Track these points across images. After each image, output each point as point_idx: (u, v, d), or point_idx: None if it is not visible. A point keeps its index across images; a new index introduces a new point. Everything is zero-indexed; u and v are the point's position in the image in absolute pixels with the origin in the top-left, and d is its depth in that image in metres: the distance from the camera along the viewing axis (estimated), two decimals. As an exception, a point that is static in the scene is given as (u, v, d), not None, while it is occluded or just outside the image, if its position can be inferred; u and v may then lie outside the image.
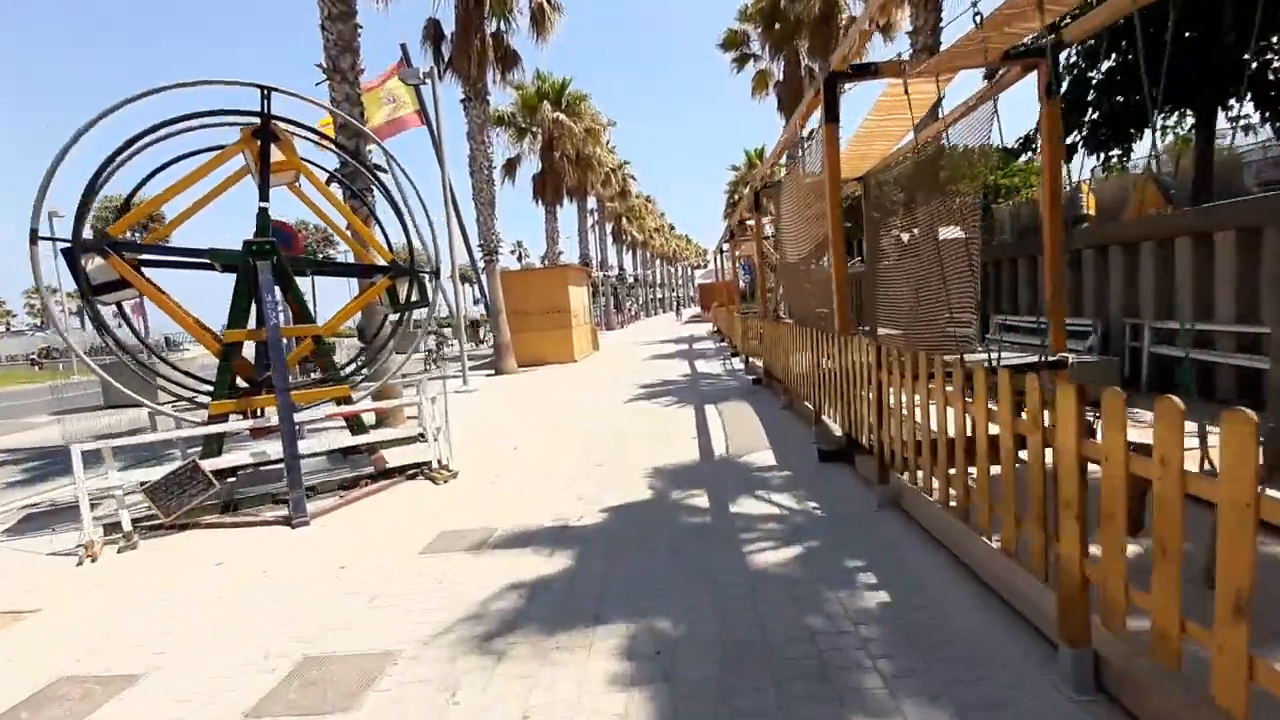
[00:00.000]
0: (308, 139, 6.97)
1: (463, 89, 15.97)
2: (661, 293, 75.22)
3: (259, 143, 6.15)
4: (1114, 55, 9.73)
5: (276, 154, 6.31)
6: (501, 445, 7.60)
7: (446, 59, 16.24)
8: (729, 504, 4.80)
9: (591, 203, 34.29)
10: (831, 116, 5.16)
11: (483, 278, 16.74)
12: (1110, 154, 10.92)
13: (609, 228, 44.78)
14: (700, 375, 13.05)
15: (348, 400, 6.52)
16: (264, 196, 6.10)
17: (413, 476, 6.33)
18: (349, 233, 7.30)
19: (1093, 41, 9.42)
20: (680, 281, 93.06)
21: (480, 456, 7.06)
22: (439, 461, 6.33)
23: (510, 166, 23.63)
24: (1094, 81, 10.24)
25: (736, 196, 41.56)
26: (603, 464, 6.30)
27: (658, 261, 71.89)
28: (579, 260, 30.05)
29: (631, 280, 53.63)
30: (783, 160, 12.13)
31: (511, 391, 12.95)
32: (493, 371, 16.70)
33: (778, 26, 20.57)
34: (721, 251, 21.49)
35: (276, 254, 5.81)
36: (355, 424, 6.60)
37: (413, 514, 5.23)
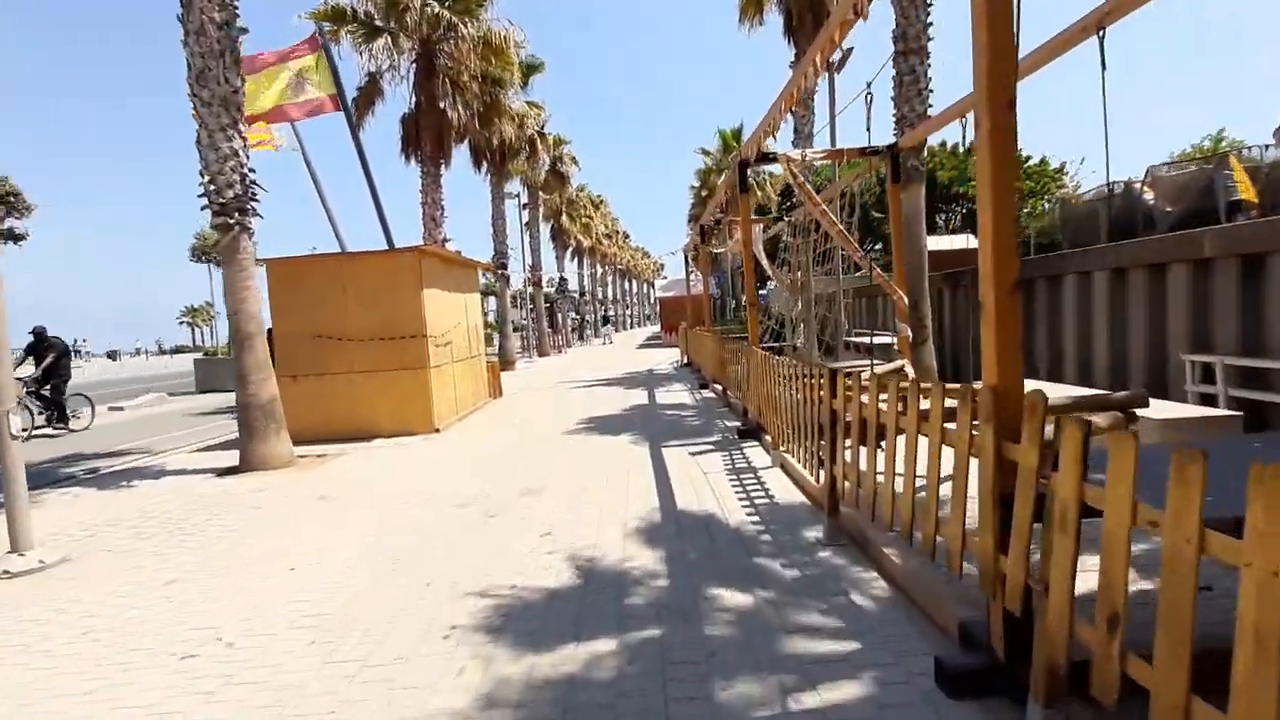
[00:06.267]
0: None
1: None
2: (614, 310, 66.65)
3: None
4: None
5: None
6: None
7: None
8: None
9: (517, 188, 25.63)
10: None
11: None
12: None
13: (547, 228, 36.12)
14: (704, 531, 4.47)
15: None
16: None
17: None
18: None
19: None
20: (635, 300, 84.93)
21: None
22: None
23: (367, 99, 14.61)
24: None
25: (705, 191, 33.50)
26: None
27: (610, 275, 63.35)
28: (494, 261, 21.10)
29: (576, 294, 44.90)
30: None
31: (115, 606, 4.09)
32: (236, 465, 7.78)
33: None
34: (707, 232, 12.99)
35: None
36: None
37: None
